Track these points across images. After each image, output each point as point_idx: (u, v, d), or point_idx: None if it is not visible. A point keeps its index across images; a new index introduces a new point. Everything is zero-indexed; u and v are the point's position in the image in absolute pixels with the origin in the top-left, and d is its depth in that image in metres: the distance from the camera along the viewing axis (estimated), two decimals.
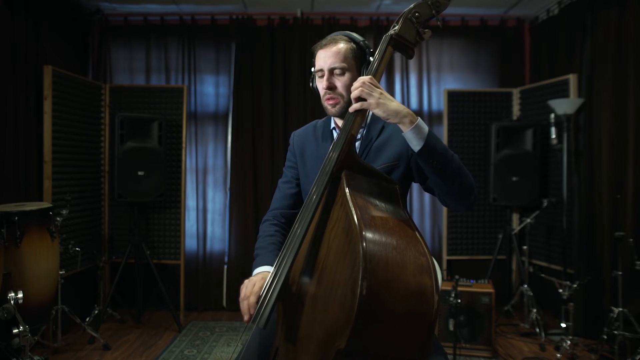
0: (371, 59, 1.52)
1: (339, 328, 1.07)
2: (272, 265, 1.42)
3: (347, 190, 1.20)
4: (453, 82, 4.50)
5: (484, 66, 4.50)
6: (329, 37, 1.57)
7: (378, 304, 1.04)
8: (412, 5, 1.37)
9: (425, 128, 1.32)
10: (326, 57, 1.53)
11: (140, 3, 4.14)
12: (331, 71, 1.53)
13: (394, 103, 1.31)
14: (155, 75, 4.42)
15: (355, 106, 1.32)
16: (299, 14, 4.33)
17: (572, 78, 3.68)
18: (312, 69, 1.60)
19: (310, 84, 1.64)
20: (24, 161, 3.33)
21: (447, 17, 4.42)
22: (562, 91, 3.76)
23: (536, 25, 4.42)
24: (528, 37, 4.54)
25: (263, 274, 1.40)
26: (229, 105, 4.40)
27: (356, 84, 1.32)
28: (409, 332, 1.08)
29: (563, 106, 3.49)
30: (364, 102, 1.31)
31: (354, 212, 1.13)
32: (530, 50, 4.52)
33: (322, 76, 1.55)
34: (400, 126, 1.32)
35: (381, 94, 1.31)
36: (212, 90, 4.44)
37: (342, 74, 1.52)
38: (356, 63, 1.53)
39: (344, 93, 1.53)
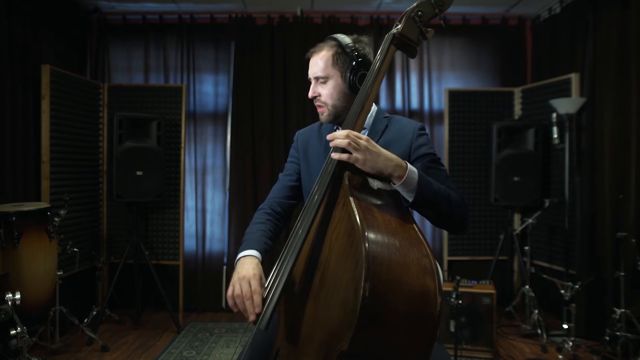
0: (353, 63, 1.49)
1: (342, 330, 1.06)
2: (256, 250, 1.42)
3: (349, 190, 1.19)
4: (454, 82, 4.48)
5: (485, 65, 4.48)
6: (318, 43, 1.57)
7: (380, 305, 1.03)
8: (415, 4, 1.36)
9: (415, 179, 1.27)
10: (311, 65, 1.55)
11: (139, 2, 4.11)
12: (316, 79, 1.55)
13: (382, 157, 1.25)
14: (154, 75, 4.40)
15: (342, 156, 1.24)
16: (298, 13, 4.30)
17: (574, 77, 3.66)
18: None
19: None
20: (21, 161, 3.30)
21: (448, 15, 4.39)
22: (564, 90, 3.73)
23: (538, 24, 4.39)
24: (530, 36, 4.52)
25: (250, 264, 1.34)
26: (228, 104, 4.37)
27: (340, 134, 1.25)
28: (412, 334, 1.07)
29: (565, 106, 3.47)
30: (350, 156, 1.23)
31: (356, 213, 1.12)
32: (532, 49, 4.50)
33: (311, 83, 1.58)
34: (391, 179, 1.28)
35: (367, 147, 1.23)
36: (211, 89, 4.42)
37: (325, 82, 1.53)
38: (339, 70, 1.52)
39: (328, 102, 1.54)
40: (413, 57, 1.42)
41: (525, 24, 4.50)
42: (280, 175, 1.75)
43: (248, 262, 1.35)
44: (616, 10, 3.35)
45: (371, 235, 1.07)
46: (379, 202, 1.23)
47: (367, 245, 1.05)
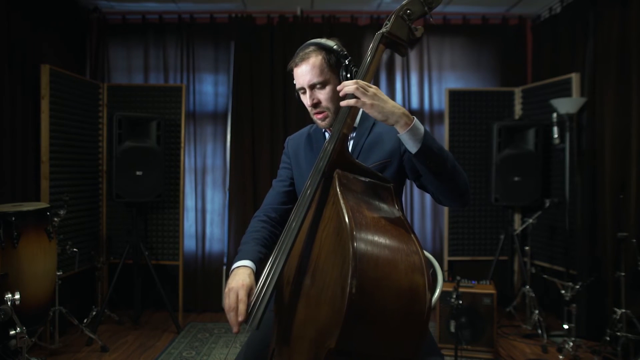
0: (346, 61, 1.51)
1: (330, 327, 1.07)
2: (249, 260, 1.44)
3: (338, 189, 1.20)
4: (454, 81, 4.47)
5: (486, 65, 4.47)
6: (300, 53, 1.54)
7: (368, 302, 1.03)
8: (403, 3, 1.36)
9: (421, 129, 1.29)
10: (303, 74, 1.52)
11: (139, 1, 4.11)
12: (312, 87, 1.52)
13: (389, 104, 1.28)
14: (154, 74, 4.39)
15: (349, 102, 1.27)
16: (298, 12, 4.30)
17: (574, 77, 3.65)
18: (294, 82, 1.59)
19: (296, 96, 1.64)
20: (21, 161, 3.30)
21: (448, 15, 4.39)
22: (564, 90, 3.73)
23: (538, 24, 4.39)
24: (530, 35, 4.51)
25: (241, 275, 1.36)
26: (228, 104, 4.36)
27: (349, 82, 1.28)
28: (401, 331, 1.07)
29: (565, 105, 3.46)
30: (358, 100, 1.27)
31: (345, 211, 1.13)
32: (533, 49, 4.49)
33: (304, 93, 1.55)
34: (396, 127, 1.30)
35: (375, 95, 1.27)
36: (211, 89, 4.41)
37: (323, 87, 1.52)
38: (333, 71, 1.52)
39: (329, 106, 1.53)
40: (403, 55, 1.42)
41: (525, 24, 4.49)
42: (273, 181, 1.78)
43: (240, 273, 1.37)
44: (617, 9, 3.35)
45: (359, 234, 1.08)
46: (370, 200, 1.24)
47: (354, 243, 1.05)
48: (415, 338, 1.07)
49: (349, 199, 1.18)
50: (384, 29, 1.36)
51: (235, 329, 1.25)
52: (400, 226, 1.18)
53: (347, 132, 1.31)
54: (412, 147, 1.29)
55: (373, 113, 1.27)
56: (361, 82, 1.27)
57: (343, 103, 1.29)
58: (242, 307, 1.26)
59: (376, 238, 1.10)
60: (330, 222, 1.20)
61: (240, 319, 1.24)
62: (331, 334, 1.05)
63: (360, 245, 1.06)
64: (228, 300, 1.30)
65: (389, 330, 1.06)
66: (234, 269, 1.42)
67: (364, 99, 1.26)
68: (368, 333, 1.05)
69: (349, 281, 1.01)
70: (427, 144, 1.28)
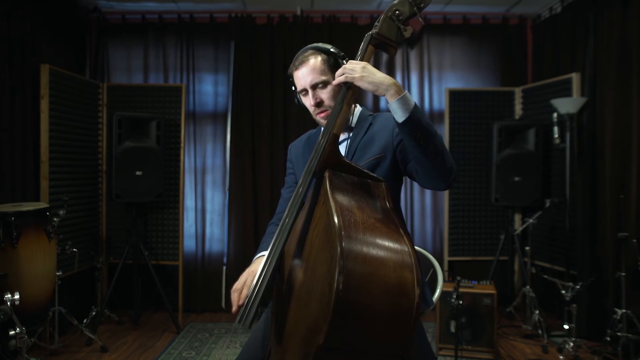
0: (344, 62, 1.54)
1: (318, 324, 1.08)
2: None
3: (329, 189, 1.22)
4: (455, 81, 4.46)
5: (486, 65, 4.47)
6: (299, 57, 1.59)
7: (355, 299, 1.04)
8: (392, 4, 1.39)
9: (412, 101, 1.32)
10: (304, 75, 1.56)
11: (139, 1, 4.10)
12: (313, 87, 1.55)
13: (378, 74, 1.33)
14: (154, 74, 4.39)
15: (339, 79, 1.36)
16: (298, 12, 4.29)
17: (575, 77, 3.65)
18: (293, 88, 1.63)
19: (295, 101, 1.67)
20: (20, 161, 3.30)
21: (449, 15, 4.39)
22: (564, 90, 3.72)
23: (539, 24, 4.38)
24: (530, 35, 4.51)
25: (259, 263, 1.42)
26: (228, 104, 4.36)
27: (338, 72, 1.37)
28: (389, 327, 1.08)
29: (566, 105, 3.46)
30: (348, 75, 1.34)
31: (334, 210, 1.15)
32: (533, 49, 4.49)
33: (306, 94, 1.58)
34: (387, 97, 1.32)
35: (364, 68, 1.33)
36: (211, 89, 4.40)
37: (324, 87, 1.55)
38: (333, 72, 1.55)
39: (332, 104, 1.55)
40: (392, 55, 1.48)
41: (526, 24, 4.49)
42: (282, 190, 1.82)
43: (258, 262, 1.48)
44: (617, 9, 3.34)
45: (347, 232, 1.10)
46: (360, 199, 1.26)
47: (342, 241, 1.07)
48: (405, 334, 1.08)
49: (339, 198, 1.20)
50: (373, 30, 1.39)
51: (233, 308, 1.34)
52: (391, 224, 1.20)
53: (337, 132, 1.35)
54: (401, 116, 1.31)
55: (363, 84, 1.33)
56: (347, 64, 1.36)
57: (334, 82, 1.39)
58: (244, 292, 1.34)
59: (365, 236, 1.12)
60: (320, 221, 1.22)
61: (240, 302, 1.33)
62: (320, 331, 1.06)
63: (348, 243, 1.08)
64: (238, 281, 1.39)
65: (377, 326, 1.07)
66: (255, 258, 1.54)
67: (352, 74, 1.33)
68: (356, 329, 1.06)
69: (336, 278, 1.03)
70: (416, 114, 1.31)
